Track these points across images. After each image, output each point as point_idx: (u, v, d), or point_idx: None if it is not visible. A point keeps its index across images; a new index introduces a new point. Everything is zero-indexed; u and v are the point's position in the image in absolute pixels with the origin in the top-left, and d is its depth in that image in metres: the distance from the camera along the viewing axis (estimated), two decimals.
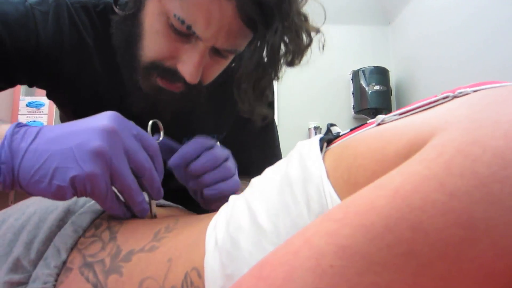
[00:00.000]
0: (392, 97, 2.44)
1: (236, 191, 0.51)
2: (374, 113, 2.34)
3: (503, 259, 0.17)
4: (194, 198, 0.52)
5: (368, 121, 0.32)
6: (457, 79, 1.82)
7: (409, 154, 0.22)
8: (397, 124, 0.27)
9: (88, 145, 0.34)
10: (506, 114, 0.19)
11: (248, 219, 0.31)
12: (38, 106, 2.23)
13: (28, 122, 2.08)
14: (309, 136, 2.46)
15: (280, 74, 0.54)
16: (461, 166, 0.18)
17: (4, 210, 0.47)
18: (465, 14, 1.77)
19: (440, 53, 1.98)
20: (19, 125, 0.37)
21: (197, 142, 0.50)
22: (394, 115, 0.29)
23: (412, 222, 0.18)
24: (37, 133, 0.36)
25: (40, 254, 0.38)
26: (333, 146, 0.32)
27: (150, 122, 0.44)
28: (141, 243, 0.37)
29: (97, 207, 0.44)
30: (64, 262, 0.37)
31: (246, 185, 0.68)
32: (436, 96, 0.26)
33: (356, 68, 2.46)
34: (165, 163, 0.46)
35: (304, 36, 0.52)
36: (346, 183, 0.27)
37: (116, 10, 0.54)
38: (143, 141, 0.39)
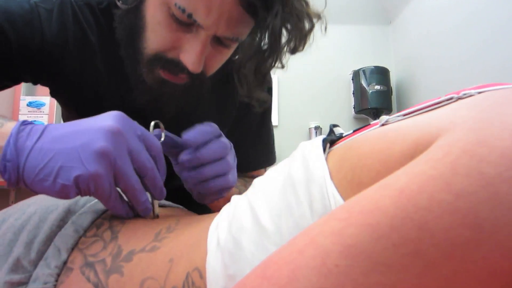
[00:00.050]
0: (392, 97, 2.45)
1: (234, 185, 0.50)
2: (374, 113, 2.34)
3: (508, 259, 0.17)
4: (188, 190, 0.51)
5: (371, 122, 0.32)
6: (457, 79, 1.82)
7: (414, 155, 0.22)
8: (401, 124, 0.27)
9: (92, 145, 0.34)
10: (511, 114, 0.19)
11: (251, 220, 0.31)
12: (38, 105, 2.23)
13: None
14: (310, 136, 2.46)
15: (284, 61, 0.54)
16: (467, 166, 0.18)
17: (4, 210, 0.47)
18: (465, 14, 1.77)
19: (440, 53, 1.98)
20: (25, 123, 0.37)
21: (211, 125, 0.48)
22: (398, 116, 0.28)
23: (418, 222, 0.18)
24: (43, 132, 0.36)
25: (41, 254, 0.38)
26: (336, 147, 0.32)
27: (152, 123, 0.44)
28: (142, 243, 0.37)
29: (98, 207, 0.44)
30: (65, 262, 0.37)
31: (241, 182, 0.68)
32: (440, 98, 0.26)
33: (356, 68, 2.46)
34: (168, 160, 0.45)
35: (305, 22, 0.52)
36: (350, 184, 0.27)
37: (119, 4, 0.55)
38: (147, 141, 0.40)
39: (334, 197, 0.27)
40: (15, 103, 2.23)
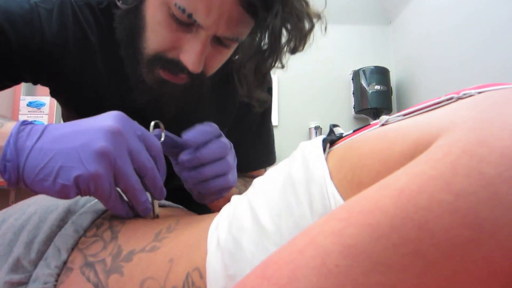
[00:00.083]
0: (392, 97, 2.45)
1: (234, 185, 0.50)
2: (374, 113, 2.34)
3: (508, 259, 0.17)
4: (188, 190, 0.51)
5: (371, 122, 0.32)
6: (457, 79, 1.82)
7: (414, 155, 0.22)
8: (401, 124, 0.27)
9: (93, 145, 0.34)
10: (511, 114, 0.19)
11: (251, 220, 0.31)
12: (38, 106, 2.23)
13: None
14: (310, 136, 2.46)
15: (284, 61, 0.54)
16: (467, 166, 0.18)
17: (4, 210, 0.47)
18: (465, 14, 1.77)
19: (440, 53, 1.98)
20: (25, 123, 0.37)
21: (211, 125, 0.48)
22: (398, 116, 0.28)
23: (418, 222, 0.18)
24: (43, 132, 0.36)
25: (41, 254, 0.38)
26: (336, 147, 0.32)
27: (152, 123, 0.44)
28: (142, 243, 0.37)
29: (98, 207, 0.44)
30: (65, 262, 0.37)
31: (241, 182, 0.68)
32: (440, 98, 0.26)
33: (356, 68, 2.46)
34: (168, 160, 0.45)
35: (305, 22, 0.52)
36: (350, 184, 0.27)
37: (119, 4, 0.55)
38: (147, 141, 0.40)
39: (334, 197, 0.27)
40: (15, 103, 2.23)
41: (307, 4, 0.53)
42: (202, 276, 0.32)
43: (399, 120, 0.28)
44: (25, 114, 2.17)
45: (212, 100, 0.70)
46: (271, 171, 0.36)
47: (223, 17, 0.47)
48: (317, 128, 2.46)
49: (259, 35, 0.51)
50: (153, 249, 0.36)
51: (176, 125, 0.51)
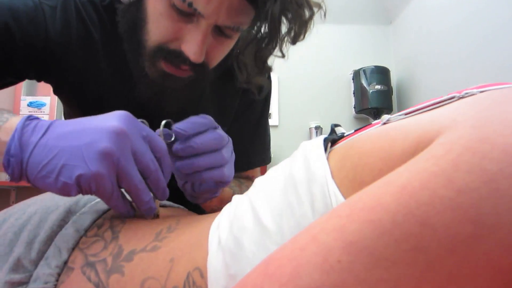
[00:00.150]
0: (393, 96, 2.45)
1: (230, 180, 0.49)
2: (375, 112, 2.34)
3: (510, 255, 0.17)
4: (181, 189, 0.50)
5: (372, 122, 0.32)
6: (458, 79, 1.82)
7: (416, 152, 0.22)
8: (403, 123, 0.27)
9: (96, 145, 0.35)
10: None
11: (252, 219, 0.31)
12: (39, 106, 2.23)
13: None
14: (310, 136, 2.46)
15: (284, 50, 0.54)
16: (469, 163, 0.18)
17: (5, 210, 0.47)
18: (465, 14, 1.77)
19: (441, 52, 1.98)
20: (30, 118, 0.38)
21: (205, 117, 0.47)
22: (400, 115, 0.28)
23: (420, 218, 0.18)
24: (48, 128, 0.36)
25: (41, 254, 0.38)
26: (337, 146, 0.32)
27: (163, 122, 0.44)
28: (142, 243, 0.37)
29: (99, 207, 0.44)
30: (66, 262, 0.37)
31: (236, 183, 0.68)
32: (442, 97, 0.26)
33: (357, 68, 2.46)
34: None
35: (305, 10, 0.52)
36: (352, 183, 0.27)
37: None
38: (152, 142, 0.40)
39: (336, 197, 0.27)
40: (15, 103, 2.23)
41: None
42: (203, 275, 0.32)
43: (400, 119, 0.28)
44: (25, 114, 2.17)
45: (213, 99, 0.70)
46: (272, 171, 0.36)
47: (223, 5, 0.47)
48: (318, 128, 2.46)
49: (258, 23, 0.51)
50: (154, 249, 0.36)
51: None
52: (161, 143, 0.41)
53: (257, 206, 0.32)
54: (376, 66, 2.38)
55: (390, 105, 2.36)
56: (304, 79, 2.56)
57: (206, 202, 0.52)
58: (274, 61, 0.59)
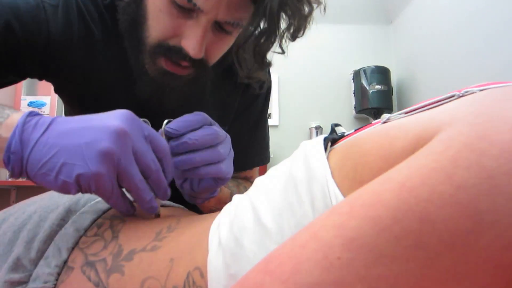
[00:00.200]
0: (393, 96, 2.45)
1: (228, 177, 0.49)
2: (375, 112, 2.34)
3: (508, 250, 0.17)
4: (179, 188, 0.50)
5: (372, 121, 0.32)
6: (458, 78, 1.82)
7: (416, 150, 0.22)
8: (403, 121, 0.27)
9: (97, 144, 0.34)
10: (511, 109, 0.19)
11: (252, 219, 0.31)
12: (39, 105, 2.23)
13: None
14: (310, 136, 2.46)
15: (284, 46, 0.54)
16: (468, 160, 0.18)
17: (5, 210, 0.47)
18: (466, 14, 1.77)
19: (441, 52, 1.98)
20: (32, 114, 0.37)
21: (199, 114, 0.47)
22: (400, 114, 0.29)
23: (419, 214, 0.18)
24: (49, 125, 0.36)
25: (41, 253, 0.38)
26: (338, 145, 0.32)
27: (165, 121, 0.44)
28: (143, 242, 0.37)
29: (99, 206, 0.44)
30: (65, 261, 0.37)
31: (234, 183, 0.68)
32: (442, 96, 0.26)
33: (357, 68, 2.46)
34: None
35: (304, 5, 0.52)
36: (352, 182, 0.27)
37: None
38: (154, 142, 0.39)
39: (336, 196, 0.27)
40: (16, 103, 2.23)
41: None
42: (203, 275, 0.32)
43: (400, 118, 0.28)
44: None
45: (214, 97, 0.70)
46: (272, 171, 0.36)
47: (223, 0, 0.47)
48: (318, 128, 2.46)
49: (258, 18, 0.51)
50: (154, 249, 0.36)
51: None
52: (163, 143, 0.41)
53: (257, 205, 0.32)
54: (376, 66, 2.38)
55: (390, 105, 2.36)
56: (305, 79, 2.56)
57: (204, 203, 0.52)
58: (272, 56, 0.58)
